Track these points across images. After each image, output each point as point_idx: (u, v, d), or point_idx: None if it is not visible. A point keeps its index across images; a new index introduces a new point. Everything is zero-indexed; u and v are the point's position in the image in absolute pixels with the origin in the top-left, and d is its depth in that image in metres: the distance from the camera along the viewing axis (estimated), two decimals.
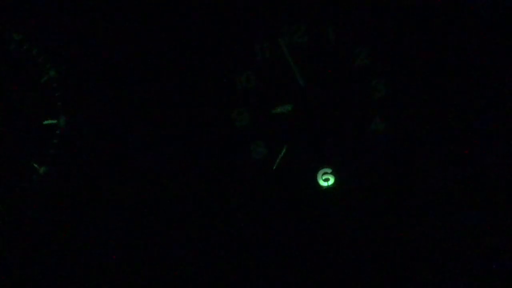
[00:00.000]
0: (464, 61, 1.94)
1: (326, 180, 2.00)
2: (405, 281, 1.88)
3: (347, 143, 2.00)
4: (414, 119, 1.96)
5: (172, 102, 2.01)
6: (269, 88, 2.01)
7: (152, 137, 2.02)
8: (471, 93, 1.93)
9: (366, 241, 1.94)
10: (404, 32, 1.96)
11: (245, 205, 2.00)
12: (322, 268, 1.92)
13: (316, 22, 1.98)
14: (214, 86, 2.02)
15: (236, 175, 2.02)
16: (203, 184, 2.00)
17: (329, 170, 2.01)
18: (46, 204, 1.99)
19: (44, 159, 2.01)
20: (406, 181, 1.96)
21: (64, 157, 2.02)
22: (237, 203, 2.00)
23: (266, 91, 2.01)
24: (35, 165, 2.00)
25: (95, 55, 2.02)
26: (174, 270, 1.95)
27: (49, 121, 2.00)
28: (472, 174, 1.91)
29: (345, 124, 2.00)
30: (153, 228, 1.99)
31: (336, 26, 1.98)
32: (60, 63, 2.02)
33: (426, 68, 1.96)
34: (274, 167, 2.00)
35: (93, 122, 2.02)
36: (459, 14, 1.91)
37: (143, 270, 1.95)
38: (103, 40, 2.01)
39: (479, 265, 1.85)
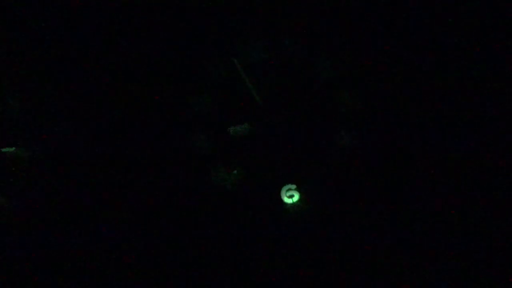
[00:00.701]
0: (431, 70, 1.90)
1: (291, 197, 1.92)
2: None
3: (312, 158, 1.93)
4: (381, 131, 1.89)
5: (126, 127, 1.95)
6: (226, 108, 1.95)
7: (110, 166, 1.95)
8: (442, 101, 1.88)
9: (334, 257, 1.84)
10: (370, 41, 1.92)
11: (208, 230, 1.90)
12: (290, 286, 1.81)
13: (274, 37, 1.95)
14: (167, 109, 1.96)
15: (196, 200, 1.93)
16: (164, 212, 1.91)
17: (293, 187, 1.92)
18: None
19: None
20: (374, 195, 1.88)
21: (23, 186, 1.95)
22: (199, 228, 1.90)
23: (223, 111, 1.95)
24: None
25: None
26: None
27: (7, 149, 1.94)
28: (445, 190, 1.84)
29: (308, 140, 1.93)
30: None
31: (296, 39, 1.94)
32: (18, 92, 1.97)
33: (393, 78, 1.91)
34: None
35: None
36: (425, 22, 1.89)
37: None
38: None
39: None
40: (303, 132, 1.93)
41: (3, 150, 1.93)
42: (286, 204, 1.92)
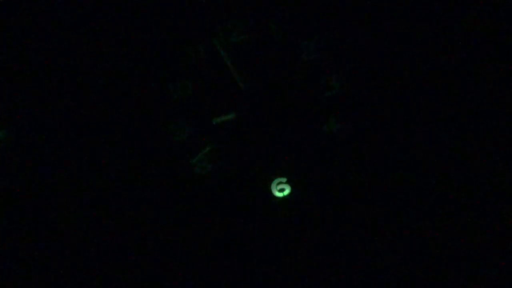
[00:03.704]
0: (422, 53, 1.78)
1: (282, 191, 1.79)
2: None
3: (301, 148, 1.79)
4: (372, 118, 1.77)
5: (104, 117, 1.78)
6: (208, 95, 1.80)
7: (89, 154, 1.78)
8: (431, 86, 1.77)
9: (325, 254, 1.73)
10: (356, 20, 1.78)
11: (192, 226, 1.76)
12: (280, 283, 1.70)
13: (255, 17, 1.79)
14: (145, 98, 1.80)
15: (178, 194, 1.78)
16: (144, 206, 1.76)
17: (284, 180, 1.79)
18: None
19: None
20: (366, 186, 1.76)
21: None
22: (182, 224, 1.76)
23: (205, 99, 1.80)
24: None
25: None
26: None
27: None
28: (436, 179, 1.73)
29: (296, 128, 1.79)
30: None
31: (279, 19, 1.79)
32: None
33: (382, 61, 1.78)
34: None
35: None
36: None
37: None
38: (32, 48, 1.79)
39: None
40: (292, 120, 1.80)
41: None
42: (276, 198, 1.79)
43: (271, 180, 1.79)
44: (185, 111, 1.79)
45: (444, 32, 1.77)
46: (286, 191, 1.79)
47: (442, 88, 1.76)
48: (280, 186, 1.79)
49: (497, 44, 1.75)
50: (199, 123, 1.79)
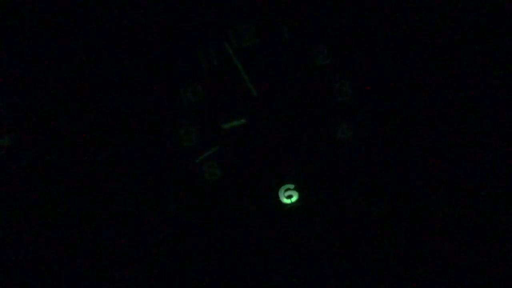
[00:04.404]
0: (436, 60, 1.78)
1: (289, 197, 1.81)
2: None
3: (311, 155, 1.80)
4: (384, 125, 1.78)
5: (115, 121, 1.76)
6: (219, 100, 1.78)
7: (99, 158, 1.77)
8: (442, 92, 1.78)
9: (332, 261, 1.77)
10: (369, 26, 1.76)
11: (201, 231, 1.78)
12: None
13: (268, 21, 1.75)
14: (156, 103, 1.77)
15: (187, 201, 1.79)
16: (154, 211, 1.77)
17: (292, 186, 1.81)
18: None
19: None
20: (376, 194, 1.79)
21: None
22: (190, 228, 1.77)
23: (216, 104, 1.78)
24: None
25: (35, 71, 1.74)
26: None
27: None
28: (446, 186, 1.77)
29: (307, 134, 1.79)
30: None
31: (291, 24, 1.76)
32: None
33: (394, 66, 1.78)
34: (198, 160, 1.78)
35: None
36: (425, 10, 1.75)
37: None
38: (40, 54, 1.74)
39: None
40: (303, 127, 1.80)
41: None
42: (284, 204, 1.81)
43: (279, 187, 1.80)
44: (196, 116, 1.78)
45: (458, 40, 1.77)
46: (294, 198, 1.81)
47: (456, 95, 1.77)
48: (288, 193, 1.81)
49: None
50: (209, 128, 1.78)
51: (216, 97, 1.77)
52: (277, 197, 1.80)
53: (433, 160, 1.78)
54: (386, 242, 1.77)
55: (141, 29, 1.72)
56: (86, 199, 1.77)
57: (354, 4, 1.74)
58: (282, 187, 1.80)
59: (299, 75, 1.77)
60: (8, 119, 1.74)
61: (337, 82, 1.77)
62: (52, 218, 1.75)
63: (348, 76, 1.77)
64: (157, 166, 1.78)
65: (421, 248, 1.76)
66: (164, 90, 1.76)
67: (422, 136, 1.78)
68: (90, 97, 1.74)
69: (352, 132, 1.77)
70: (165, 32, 1.73)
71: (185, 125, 1.77)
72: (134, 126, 1.76)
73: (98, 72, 1.73)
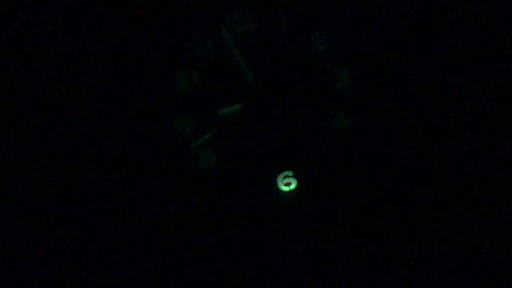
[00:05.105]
0: (435, 50, 1.73)
1: (288, 185, 1.71)
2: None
3: (308, 142, 1.73)
4: (383, 113, 1.70)
5: (110, 110, 1.75)
6: (214, 86, 1.76)
7: (93, 150, 1.75)
8: (441, 81, 1.71)
9: (331, 247, 1.63)
10: (369, 11, 1.74)
11: (196, 219, 1.69)
12: (286, 277, 1.60)
13: (264, 5, 1.76)
14: (150, 89, 1.77)
15: (183, 190, 1.72)
16: (150, 198, 1.70)
17: (290, 173, 1.72)
18: None
19: None
20: (374, 182, 1.67)
21: None
22: (186, 217, 1.69)
23: (211, 90, 1.76)
24: None
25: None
26: None
27: None
28: (441, 176, 1.64)
29: (304, 121, 1.73)
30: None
31: (288, 9, 1.75)
32: None
33: (394, 54, 1.73)
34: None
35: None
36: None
37: None
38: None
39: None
40: (300, 114, 1.74)
41: None
42: (283, 192, 1.71)
43: (277, 174, 1.72)
44: (191, 103, 1.75)
45: (458, 29, 1.72)
46: (292, 185, 1.71)
47: (455, 85, 1.70)
48: (286, 180, 1.72)
49: None
50: (205, 114, 1.75)
51: (211, 83, 1.75)
52: (276, 184, 1.71)
53: (431, 148, 1.67)
54: (382, 230, 1.63)
55: (135, 15, 1.75)
56: (82, 190, 1.73)
57: None
58: (281, 174, 1.72)
59: (296, 61, 1.74)
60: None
61: (335, 69, 1.72)
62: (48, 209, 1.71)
63: (346, 63, 1.73)
64: (152, 154, 1.74)
65: (418, 242, 1.61)
66: (159, 77, 1.76)
67: (419, 126, 1.69)
68: (84, 85, 1.76)
69: (348, 121, 1.69)
70: (160, 18, 1.76)
71: (181, 111, 1.75)
72: (129, 113, 1.75)
73: (92, 60, 1.75)
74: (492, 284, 1.56)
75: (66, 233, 1.70)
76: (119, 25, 1.75)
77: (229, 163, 1.72)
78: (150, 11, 1.75)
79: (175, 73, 1.76)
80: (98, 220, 1.70)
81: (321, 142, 1.71)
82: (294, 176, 1.71)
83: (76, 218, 1.70)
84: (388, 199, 1.65)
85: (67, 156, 1.75)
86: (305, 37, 1.74)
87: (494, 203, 1.61)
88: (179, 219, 1.69)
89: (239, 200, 1.69)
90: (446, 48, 1.72)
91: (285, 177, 1.71)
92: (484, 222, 1.59)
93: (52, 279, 1.68)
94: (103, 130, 1.75)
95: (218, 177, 1.72)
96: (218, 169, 1.72)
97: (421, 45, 1.71)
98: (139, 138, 1.75)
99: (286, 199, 1.70)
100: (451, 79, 1.69)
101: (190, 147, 1.71)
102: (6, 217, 1.74)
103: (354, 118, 1.70)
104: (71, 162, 1.74)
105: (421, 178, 1.65)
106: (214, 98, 1.75)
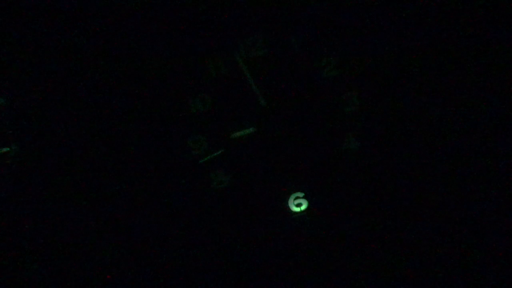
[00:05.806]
0: (443, 71, 1.76)
1: (299, 205, 1.81)
2: None
3: (319, 164, 1.80)
4: (391, 136, 1.77)
5: (124, 130, 1.75)
6: (227, 110, 1.77)
7: (107, 168, 1.76)
8: (450, 103, 1.76)
9: (341, 268, 1.78)
10: (377, 38, 1.74)
11: (210, 240, 1.79)
12: None
13: (276, 31, 1.74)
14: (164, 112, 1.76)
15: (196, 210, 1.79)
16: (163, 219, 1.77)
17: (301, 195, 1.81)
18: None
19: None
20: (384, 203, 1.79)
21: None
22: (201, 237, 1.78)
23: (224, 113, 1.77)
24: None
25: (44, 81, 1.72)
26: None
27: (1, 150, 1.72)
28: (452, 198, 1.77)
29: (315, 144, 1.79)
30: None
31: (299, 35, 1.74)
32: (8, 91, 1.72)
33: (403, 79, 1.76)
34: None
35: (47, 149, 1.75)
36: (430, 21, 1.72)
37: None
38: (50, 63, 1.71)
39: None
40: (311, 136, 1.79)
41: None
42: (293, 213, 1.82)
43: (289, 195, 1.81)
44: (204, 125, 1.77)
45: (469, 53, 1.75)
46: (303, 206, 1.81)
47: (466, 107, 1.76)
48: (297, 201, 1.81)
49: None
50: (218, 137, 1.78)
51: (224, 106, 1.76)
52: (287, 205, 1.81)
53: (440, 171, 1.77)
54: (392, 250, 1.78)
55: (150, 38, 1.70)
56: (95, 207, 1.77)
57: (363, 17, 1.71)
58: (292, 195, 1.81)
59: (307, 86, 1.76)
60: (13, 126, 1.73)
61: (344, 93, 1.76)
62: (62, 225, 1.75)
63: (355, 88, 1.76)
64: (165, 175, 1.78)
65: (428, 258, 1.77)
66: (173, 99, 1.75)
67: (429, 148, 1.77)
68: (98, 107, 1.73)
69: (358, 143, 1.77)
70: (174, 41, 1.71)
71: (194, 134, 1.77)
72: (143, 135, 1.75)
73: (106, 83, 1.71)
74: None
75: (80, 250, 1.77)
76: (133, 48, 1.69)
77: (241, 184, 1.79)
78: (166, 36, 1.69)
79: (189, 96, 1.75)
80: (110, 244, 1.77)
81: (331, 164, 1.80)
82: (305, 197, 1.81)
83: (90, 240, 1.77)
84: (399, 222, 1.77)
85: (82, 178, 1.76)
86: (316, 62, 1.75)
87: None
88: (192, 240, 1.78)
89: (250, 220, 1.79)
90: (458, 76, 1.76)
91: (296, 198, 1.81)
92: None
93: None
94: (119, 152, 1.76)
95: (230, 198, 1.79)
96: (229, 190, 1.79)
97: (432, 72, 1.75)
98: (153, 160, 1.77)
99: (297, 219, 1.80)
100: (462, 108, 1.75)
101: (199, 163, 1.76)
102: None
103: (363, 140, 1.78)
104: (88, 183, 1.76)
105: (432, 201, 1.77)
106: (227, 122, 1.77)
